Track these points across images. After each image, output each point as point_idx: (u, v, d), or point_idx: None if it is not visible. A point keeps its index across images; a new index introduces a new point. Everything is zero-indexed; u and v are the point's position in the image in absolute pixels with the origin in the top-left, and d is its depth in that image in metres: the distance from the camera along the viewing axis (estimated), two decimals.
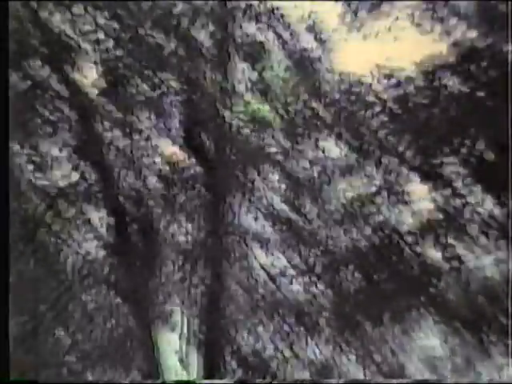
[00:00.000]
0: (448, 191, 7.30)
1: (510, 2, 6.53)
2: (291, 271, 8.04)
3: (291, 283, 7.96)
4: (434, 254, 7.35)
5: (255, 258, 8.20)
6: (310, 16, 7.87)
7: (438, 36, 7.13)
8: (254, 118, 8.06)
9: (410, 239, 7.55)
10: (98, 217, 8.00)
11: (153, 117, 8.05)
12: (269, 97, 8.04)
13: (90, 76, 7.88)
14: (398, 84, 7.46)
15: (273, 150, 8.20)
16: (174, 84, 8.09)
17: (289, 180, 8.25)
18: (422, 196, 7.54)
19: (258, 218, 8.29)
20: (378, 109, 7.69)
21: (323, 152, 8.11)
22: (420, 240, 7.43)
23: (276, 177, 8.27)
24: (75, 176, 8.00)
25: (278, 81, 8.04)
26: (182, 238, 8.15)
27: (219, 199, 8.25)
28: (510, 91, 6.93)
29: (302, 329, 7.58)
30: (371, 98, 7.70)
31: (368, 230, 7.87)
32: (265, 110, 8.00)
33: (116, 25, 8.01)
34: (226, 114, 7.96)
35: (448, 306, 6.96)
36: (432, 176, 7.42)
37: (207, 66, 8.09)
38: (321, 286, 7.88)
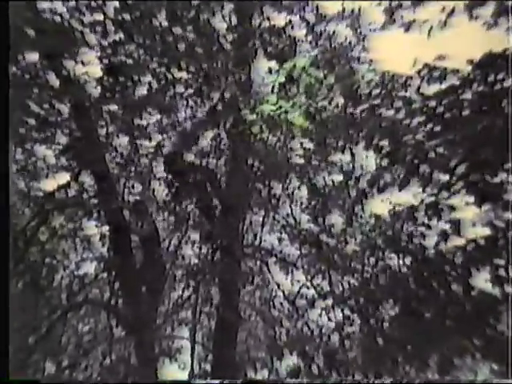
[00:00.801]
0: (509, 215, 6.19)
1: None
2: (320, 302, 6.95)
3: (320, 316, 6.86)
4: (491, 288, 6.23)
5: (278, 285, 7.12)
6: (349, 9, 6.80)
7: (504, 31, 6.03)
8: (280, 123, 6.99)
9: (460, 269, 6.44)
10: (99, 233, 6.93)
11: (163, 119, 7.00)
12: (298, 100, 6.97)
13: (92, 72, 6.82)
14: (452, 87, 6.37)
15: (300, 160, 7.11)
16: (189, 83, 7.03)
17: (318, 195, 7.16)
18: (476, 219, 6.43)
19: (283, 238, 7.23)
20: (425, 116, 6.60)
21: (359, 164, 7.02)
22: (473, 270, 6.32)
23: (304, 191, 7.20)
24: (73, 186, 6.95)
25: (310, 82, 6.97)
26: (193, 260, 7.07)
27: (238, 216, 7.17)
28: None
29: (331, 371, 6.48)
30: (418, 104, 6.60)
31: (409, 256, 6.76)
32: (293, 114, 6.92)
33: (126, 15, 6.97)
34: (248, 117, 6.89)
35: (509, 352, 5.86)
36: (489, 196, 6.32)
37: (228, 63, 7.02)
38: (355, 321, 6.77)
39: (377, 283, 6.78)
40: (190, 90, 7.02)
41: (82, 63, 6.70)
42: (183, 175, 7.22)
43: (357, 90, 6.83)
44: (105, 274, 6.96)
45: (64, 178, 6.86)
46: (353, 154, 6.97)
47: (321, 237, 7.10)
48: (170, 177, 7.28)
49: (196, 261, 7.11)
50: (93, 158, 6.88)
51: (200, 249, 7.17)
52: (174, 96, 7.09)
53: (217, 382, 6.80)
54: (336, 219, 7.12)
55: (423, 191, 6.62)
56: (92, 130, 6.91)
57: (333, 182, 7.17)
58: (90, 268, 6.87)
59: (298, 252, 7.13)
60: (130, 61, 6.83)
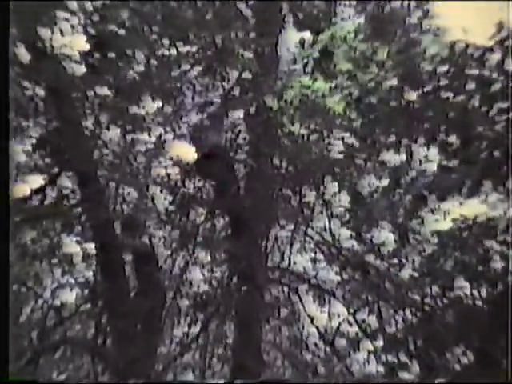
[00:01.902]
0: None
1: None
2: (366, 343, 5.38)
3: (367, 362, 5.30)
4: None
5: (311, 319, 5.60)
6: None
7: None
8: (315, 111, 5.42)
9: None
10: (82, 252, 5.42)
11: (165, 106, 5.48)
12: (338, 81, 5.40)
13: (75, 44, 5.30)
14: None
15: (341, 159, 5.56)
16: (198, 60, 5.50)
17: (363, 205, 5.61)
18: None
19: (318, 259, 5.68)
20: (507, 103, 5.03)
21: (416, 165, 5.46)
22: None
23: (344, 199, 5.65)
24: (50, 191, 5.44)
25: (353, 58, 5.39)
26: (203, 287, 5.52)
27: (260, 230, 5.62)
28: None
29: None
30: (499, 85, 5.04)
31: (486, 284, 5.20)
32: (332, 100, 5.35)
33: None
34: (274, 104, 5.33)
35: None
36: None
37: (248, 33, 5.48)
38: (412, 369, 5.19)
39: (442, 320, 5.22)
40: (199, 69, 5.48)
41: (61, 33, 5.18)
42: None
43: (416, 68, 5.24)
44: (89, 305, 5.43)
45: (38, 180, 5.26)
46: (409, 152, 5.39)
47: (367, 258, 5.55)
48: (173, 180, 5.76)
49: (206, 287, 5.58)
50: (76, 156, 5.40)
51: (212, 272, 5.63)
52: (178, 77, 5.55)
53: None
54: (386, 236, 5.57)
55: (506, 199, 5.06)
56: (75, 119, 5.42)
57: (382, 187, 5.59)
58: (69, 297, 5.39)
59: (338, 277, 5.60)
60: (122, 31, 5.31)
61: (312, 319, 5.59)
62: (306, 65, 5.45)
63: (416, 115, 5.34)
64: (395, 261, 5.51)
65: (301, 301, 5.64)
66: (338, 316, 5.54)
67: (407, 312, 5.41)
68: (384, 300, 5.47)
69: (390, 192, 5.58)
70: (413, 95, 5.32)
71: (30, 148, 5.40)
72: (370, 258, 5.56)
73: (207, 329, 5.60)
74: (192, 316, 5.65)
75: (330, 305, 5.59)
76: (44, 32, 5.09)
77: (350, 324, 5.48)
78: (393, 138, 5.50)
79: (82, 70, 5.34)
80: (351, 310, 5.52)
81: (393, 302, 5.44)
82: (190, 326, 5.63)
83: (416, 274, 5.42)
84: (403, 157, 5.53)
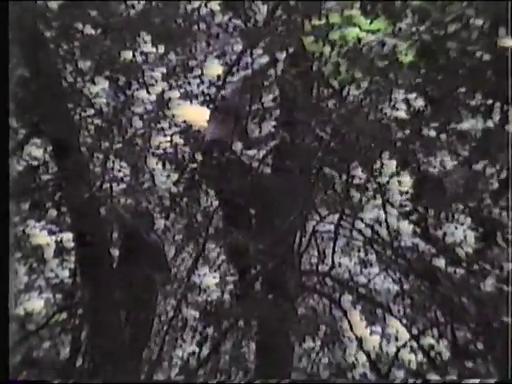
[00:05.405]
0: None
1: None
2: (435, 378, 3.95)
3: None
4: None
5: (360, 341, 4.18)
6: None
7: None
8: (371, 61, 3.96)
9: None
10: (56, 245, 4.12)
11: (170, 51, 4.10)
12: (408, 21, 3.93)
13: None
14: None
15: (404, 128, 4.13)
16: None
17: (432, 190, 4.17)
18: None
19: (368, 262, 4.27)
20: None
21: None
22: None
23: (407, 182, 4.23)
24: (16, 163, 4.18)
25: None
26: (215, 293, 4.17)
27: (291, 222, 4.20)
28: None
29: None
30: None
31: None
32: (398, 46, 3.89)
33: None
34: (315, 47, 3.89)
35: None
36: None
37: None
38: None
39: None
40: (216, 2, 4.07)
41: None
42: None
43: None
44: (64, 315, 4.07)
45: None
46: (503, 118, 3.92)
47: (436, 262, 4.10)
48: (182, 153, 4.39)
49: (219, 294, 4.20)
50: (49, 117, 4.06)
51: (226, 275, 4.26)
52: (188, 13, 4.15)
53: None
54: (464, 233, 4.11)
55: None
56: (47, 67, 4.08)
57: (458, 167, 4.15)
58: (37, 304, 4.03)
59: (396, 287, 4.15)
60: None
61: (360, 341, 4.18)
62: None
63: None
64: (476, 267, 4.06)
65: (345, 316, 4.23)
66: (396, 339, 4.12)
67: (492, 336, 3.97)
68: (459, 320, 4.03)
69: (469, 173, 4.14)
70: (510, 42, 3.85)
71: None
72: (441, 262, 4.12)
73: (219, 349, 4.24)
74: (201, 332, 4.29)
75: (385, 323, 4.19)
76: None
77: (413, 350, 4.07)
78: (478, 101, 4.07)
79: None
80: (414, 332, 4.10)
81: (472, 323, 4.00)
82: (199, 345, 4.27)
83: (505, 287, 3.97)
84: (488, 124, 4.08)
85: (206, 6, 4.18)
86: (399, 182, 4.28)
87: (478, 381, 3.87)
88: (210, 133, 4.29)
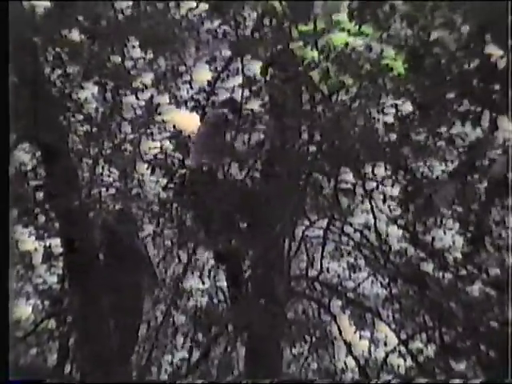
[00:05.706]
0: None
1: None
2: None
3: None
4: None
5: (349, 346, 4.18)
6: None
7: None
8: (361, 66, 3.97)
9: None
10: (43, 250, 4.09)
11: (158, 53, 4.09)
12: (396, 26, 3.96)
13: None
14: None
15: (392, 133, 4.14)
16: None
17: (421, 195, 4.19)
18: None
19: (357, 266, 4.27)
20: None
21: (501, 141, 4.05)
22: None
23: (395, 186, 4.24)
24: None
25: None
26: (203, 299, 4.15)
27: (280, 227, 4.20)
28: None
29: None
30: None
31: None
32: (385, 51, 3.90)
33: None
34: (304, 53, 3.90)
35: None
36: None
37: None
38: None
39: None
40: (205, 7, 4.07)
41: None
42: None
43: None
44: (52, 322, 4.03)
45: None
46: (491, 126, 3.93)
47: (424, 267, 4.11)
48: (171, 158, 4.38)
49: (208, 300, 4.20)
50: (38, 122, 4.03)
51: (215, 280, 4.24)
52: (177, 19, 4.14)
53: None
54: (452, 237, 4.13)
55: None
56: (36, 72, 4.06)
57: (448, 172, 4.17)
58: (25, 310, 4.00)
59: (385, 292, 4.15)
60: None
61: (349, 346, 4.18)
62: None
63: (502, 76, 3.88)
64: (464, 272, 4.07)
65: (335, 321, 4.23)
66: (385, 344, 4.12)
67: (480, 342, 3.98)
68: (447, 324, 4.04)
69: (459, 179, 4.15)
70: (497, 51, 3.86)
71: None
72: (429, 267, 4.13)
73: (208, 355, 4.22)
74: (191, 339, 4.27)
75: (374, 328, 4.19)
76: None
77: (401, 355, 4.07)
78: (466, 107, 4.08)
79: (45, 5, 3.99)
80: (403, 337, 4.10)
81: (460, 327, 4.01)
82: (189, 352, 4.25)
83: (492, 292, 3.99)
84: (476, 131, 4.10)
85: (196, 8, 4.18)
86: (388, 187, 4.30)
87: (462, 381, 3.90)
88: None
